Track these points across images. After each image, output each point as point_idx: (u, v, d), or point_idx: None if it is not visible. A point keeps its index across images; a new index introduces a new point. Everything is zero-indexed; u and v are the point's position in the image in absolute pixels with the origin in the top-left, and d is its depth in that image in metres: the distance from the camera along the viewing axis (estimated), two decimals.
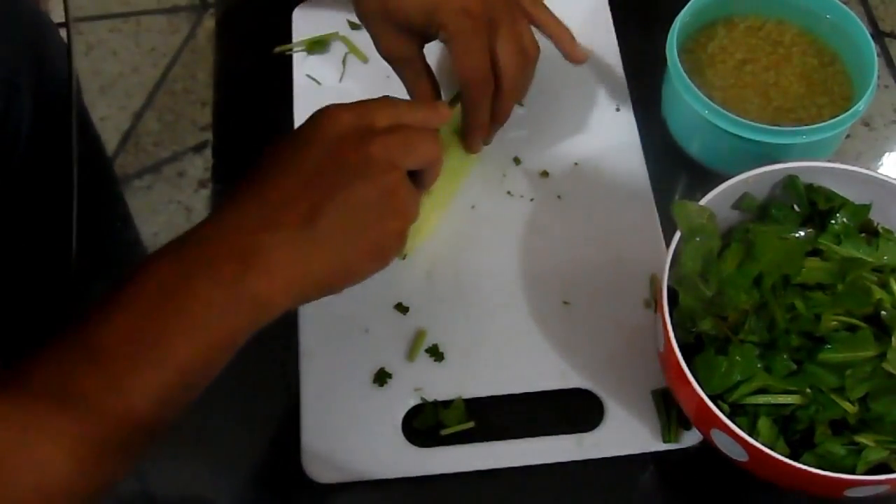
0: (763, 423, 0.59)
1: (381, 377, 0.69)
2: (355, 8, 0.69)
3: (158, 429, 0.52)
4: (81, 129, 0.82)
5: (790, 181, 0.66)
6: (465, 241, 0.75)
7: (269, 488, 0.68)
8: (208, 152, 0.82)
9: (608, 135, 0.80)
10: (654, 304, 0.72)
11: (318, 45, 0.84)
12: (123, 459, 0.51)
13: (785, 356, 0.60)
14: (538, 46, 0.71)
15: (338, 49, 0.84)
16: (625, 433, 0.67)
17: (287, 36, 0.85)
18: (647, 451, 0.67)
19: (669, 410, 0.67)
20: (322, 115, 0.59)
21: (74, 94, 0.84)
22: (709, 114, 0.72)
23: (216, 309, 0.52)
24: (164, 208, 0.79)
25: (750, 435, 0.57)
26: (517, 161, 0.79)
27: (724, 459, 0.61)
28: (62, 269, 0.75)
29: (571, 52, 0.73)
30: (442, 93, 0.74)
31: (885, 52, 0.86)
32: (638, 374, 0.69)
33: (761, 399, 0.60)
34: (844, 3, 0.76)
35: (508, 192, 0.77)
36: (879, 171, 0.67)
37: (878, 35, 0.88)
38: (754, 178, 0.66)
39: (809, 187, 0.66)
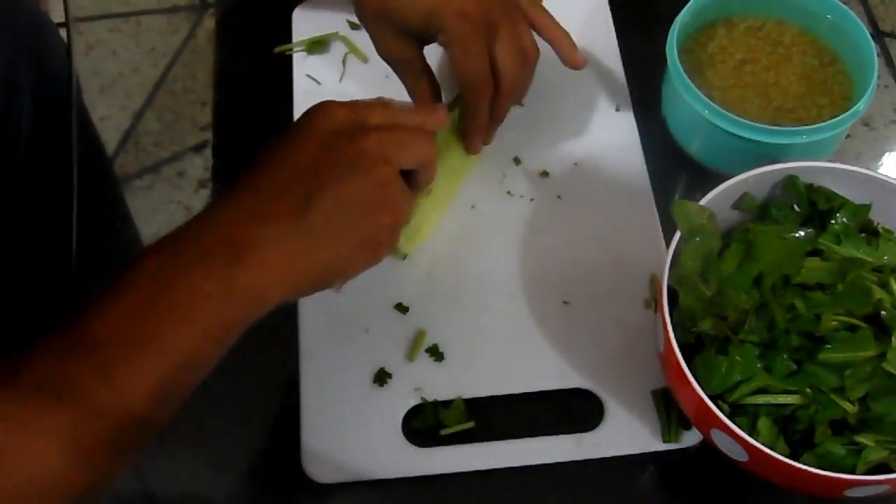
0: (763, 423, 0.59)
1: (381, 377, 0.69)
2: (355, 9, 0.69)
3: (155, 424, 0.52)
4: (81, 129, 0.82)
5: (790, 181, 0.66)
6: (465, 241, 0.75)
7: (269, 488, 0.68)
8: (208, 152, 0.82)
9: (608, 135, 0.80)
10: (654, 304, 0.72)
11: (318, 45, 0.84)
12: (119, 455, 0.51)
13: (785, 356, 0.60)
14: (537, 48, 0.71)
15: (338, 49, 0.84)
16: (625, 433, 0.67)
17: (287, 36, 0.85)
18: (647, 451, 0.67)
19: (669, 410, 0.67)
20: (317, 111, 0.59)
21: (74, 94, 0.84)
22: (709, 114, 0.72)
23: (209, 301, 0.52)
24: (164, 208, 0.79)
25: (750, 435, 0.57)
26: (517, 161, 0.79)
27: (724, 459, 0.61)
28: (62, 269, 0.75)
29: (570, 56, 0.73)
30: (443, 94, 0.74)
31: (885, 52, 0.86)
32: (638, 374, 0.69)
33: (761, 399, 0.60)
34: (844, 3, 0.76)
35: (508, 192, 0.77)
36: (879, 171, 0.67)
37: (878, 35, 0.88)
38: (754, 178, 0.66)
39: (809, 187, 0.66)
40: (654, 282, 0.72)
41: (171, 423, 0.53)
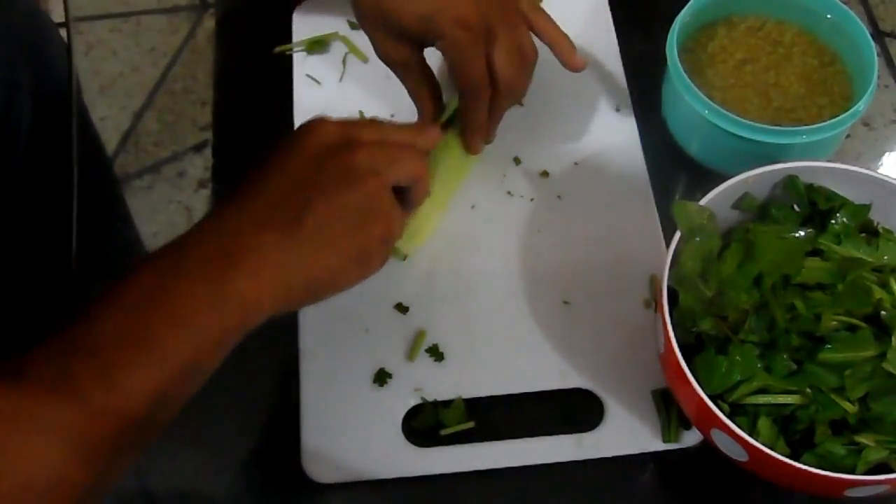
0: (763, 423, 0.59)
1: (381, 377, 0.69)
2: (354, 12, 0.69)
3: (154, 427, 0.52)
4: (81, 129, 0.82)
5: (790, 181, 0.66)
6: (465, 241, 0.75)
7: (269, 488, 0.68)
8: (208, 152, 0.82)
9: (608, 135, 0.80)
10: (654, 304, 0.72)
11: (318, 45, 0.84)
12: (117, 457, 0.51)
13: (785, 356, 0.60)
14: (536, 50, 0.70)
15: (338, 49, 0.84)
16: (625, 433, 0.67)
17: (287, 36, 0.85)
18: (647, 451, 0.67)
19: (669, 410, 0.67)
20: (310, 126, 0.60)
21: (74, 94, 0.84)
22: (709, 114, 0.72)
23: (206, 308, 0.52)
24: (164, 208, 0.79)
25: (750, 435, 0.57)
26: (517, 161, 0.79)
27: (724, 459, 0.61)
28: (62, 269, 0.75)
29: (569, 59, 0.73)
30: (444, 94, 0.74)
31: (885, 52, 0.86)
32: (638, 374, 0.69)
33: (761, 399, 0.60)
34: (844, 3, 0.76)
35: (508, 192, 0.77)
36: (879, 171, 0.67)
37: (878, 35, 0.88)
38: (754, 178, 0.66)
39: (809, 187, 0.66)
40: (654, 282, 0.72)
41: (172, 423, 0.53)
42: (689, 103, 0.72)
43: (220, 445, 0.69)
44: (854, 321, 0.60)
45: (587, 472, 0.67)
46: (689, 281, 0.62)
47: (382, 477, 0.66)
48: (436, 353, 0.70)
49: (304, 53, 0.84)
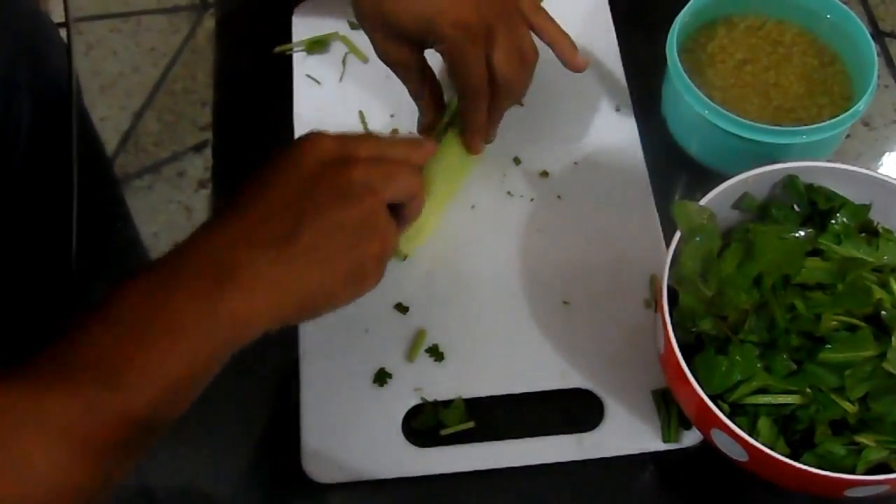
0: (763, 423, 0.59)
1: (381, 377, 0.69)
2: (354, 12, 0.69)
3: (152, 436, 0.52)
4: (81, 129, 0.82)
5: (790, 181, 0.66)
6: (465, 241, 0.75)
7: (269, 488, 0.68)
8: (208, 152, 0.82)
9: (608, 135, 0.80)
10: (654, 304, 0.72)
11: (318, 45, 0.84)
12: (119, 460, 0.51)
13: (785, 356, 0.60)
14: (537, 51, 0.70)
15: (338, 49, 0.84)
16: (625, 433, 0.67)
17: (287, 36, 0.85)
18: (647, 451, 0.67)
19: (669, 410, 0.67)
20: (305, 140, 0.59)
21: (74, 94, 0.84)
22: (709, 114, 0.72)
23: (196, 325, 0.52)
24: (164, 208, 0.79)
25: (750, 435, 0.57)
26: (517, 161, 0.79)
27: (724, 459, 0.61)
28: (62, 269, 0.75)
29: (570, 60, 0.73)
30: (445, 94, 0.74)
31: (885, 52, 0.86)
32: (638, 374, 0.69)
33: (761, 399, 0.60)
34: (844, 3, 0.76)
35: (508, 192, 0.77)
36: (879, 171, 0.67)
37: (878, 35, 0.88)
38: (754, 178, 0.66)
39: (809, 187, 0.66)
40: (654, 282, 0.72)
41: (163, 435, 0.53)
42: (689, 103, 0.72)
43: (221, 445, 0.69)
44: (854, 321, 0.60)
45: (587, 472, 0.67)
46: (689, 281, 0.62)
47: (382, 477, 0.66)
48: (436, 353, 0.70)
49: (304, 53, 0.84)
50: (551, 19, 0.73)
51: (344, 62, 0.84)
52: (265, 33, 0.85)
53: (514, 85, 0.69)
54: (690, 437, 0.67)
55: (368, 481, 0.66)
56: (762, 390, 0.60)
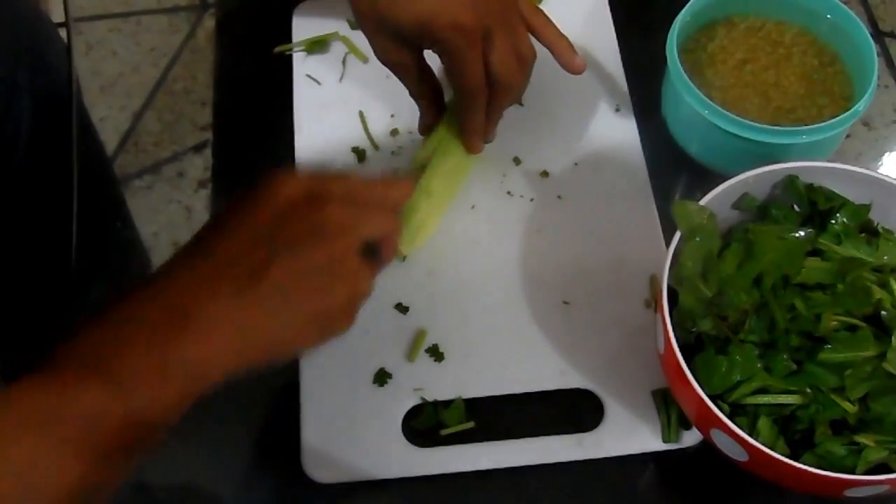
0: (763, 423, 0.59)
1: (381, 377, 0.69)
2: (353, 14, 0.69)
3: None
4: (81, 129, 0.82)
5: (790, 181, 0.66)
6: (465, 241, 0.75)
7: (269, 488, 0.68)
8: (208, 152, 0.82)
9: (608, 135, 0.80)
10: (654, 304, 0.72)
11: (318, 45, 0.84)
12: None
13: (785, 356, 0.60)
14: (535, 52, 0.70)
15: (338, 49, 0.84)
16: (625, 433, 0.67)
17: (287, 36, 0.85)
18: (647, 451, 0.67)
19: (669, 410, 0.67)
20: (276, 180, 0.57)
21: (74, 94, 0.84)
22: (709, 114, 0.72)
23: (146, 380, 0.49)
24: (164, 208, 0.79)
25: (750, 435, 0.57)
26: (517, 161, 0.79)
27: (724, 459, 0.61)
28: (62, 269, 0.75)
29: (569, 62, 0.73)
30: (445, 94, 0.74)
31: (885, 52, 0.86)
32: (638, 374, 0.69)
33: (761, 399, 0.60)
34: (844, 3, 0.76)
35: (508, 192, 0.77)
36: (879, 171, 0.67)
37: (878, 35, 0.88)
38: (754, 178, 0.66)
39: (809, 187, 0.66)
40: (654, 282, 0.72)
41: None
42: (689, 103, 0.72)
43: (221, 445, 0.69)
44: (854, 321, 0.60)
45: (587, 472, 0.67)
46: (689, 281, 0.62)
47: (382, 477, 0.66)
48: (436, 353, 0.70)
49: (304, 53, 0.84)
50: (549, 21, 0.72)
51: (344, 62, 0.84)
52: (265, 33, 0.85)
53: (512, 86, 0.69)
54: (690, 437, 0.67)
55: (368, 481, 0.66)
56: (762, 390, 0.60)
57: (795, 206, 0.66)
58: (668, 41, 0.74)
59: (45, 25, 0.90)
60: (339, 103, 0.81)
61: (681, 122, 0.78)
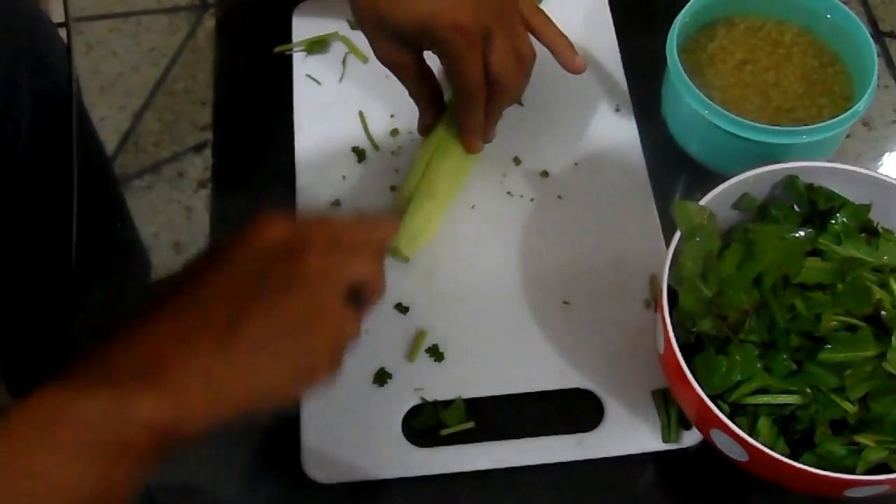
0: (763, 423, 0.59)
1: (381, 377, 0.69)
2: (353, 14, 0.69)
3: None
4: (81, 129, 0.82)
5: (790, 181, 0.66)
6: (465, 241, 0.75)
7: (270, 488, 0.68)
8: (208, 152, 0.82)
9: (608, 135, 0.80)
10: (654, 304, 0.72)
11: (318, 45, 0.84)
12: None
13: (785, 356, 0.60)
14: (534, 52, 0.70)
15: (338, 49, 0.84)
16: (625, 433, 0.67)
17: (287, 36, 0.85)
18: (647, 451, 0.67)
19: (669, 410, 0.67)
20: (255, 227, 0.55)
21: (74, 94, 0.84)
22: (709, 114, 0.72)
23: (99, 442, 0.47)
24: (164, 208, 0.79)
25: (750, 435, 0.57)
26: (517, 161, 0.79)
27: (724, 459, 0.61)
28: (62, 269, 0.75)
29: (569, 62, 0.72)
30: (445, 94, 0.74)
31: (885, 52, 0.86)
32: (638, 374, 0.69)
33: (761, 399, 0.60)
34: (844, 3, 0.76)
35: (508, 192, 0.77)
36: (879, 171, 0.67)
37: (878, 35, 0.88)
38: (754, 178, 0.66)
39: (809, 187, 0.66)
40: (654, 282, 0.72)
41: None
42: (689, 103, 0.72)
43: (221, 446, 0.68)
44: (854, 321, 0.60)
45: (587, 472, 0.67)
46: (689, 281, 0.62)
47: (382, 477, 0.66)
48: (436, 353, 0.70)
49: (304, 53, 0.84)
50: (550, 21, 0.72)
51: (344, 62, 0.84)
52: (265, 33, 0.85)
53: (511, 86, 0.69)
54: (690, 437, 0.67)
55: (368, 481, 0.66)
56: (762, 390, 0.60)
57: (795, 206, 0.66)
58: (668, 41, 0.74)
59: (45, 25, 0.90)
60: (339, 103, 0.81)
61: (681, 122, 0.78)
